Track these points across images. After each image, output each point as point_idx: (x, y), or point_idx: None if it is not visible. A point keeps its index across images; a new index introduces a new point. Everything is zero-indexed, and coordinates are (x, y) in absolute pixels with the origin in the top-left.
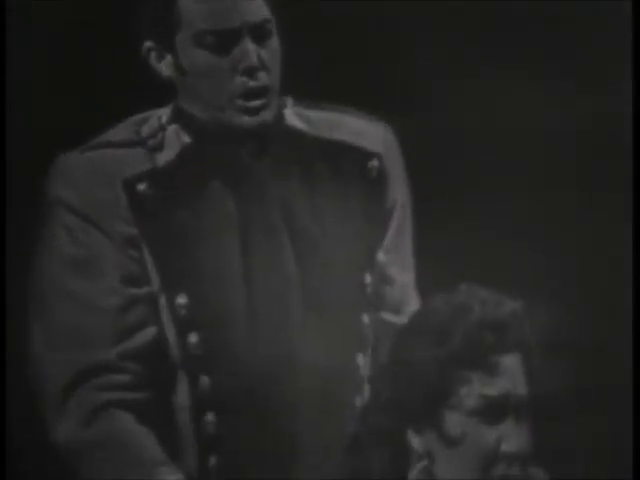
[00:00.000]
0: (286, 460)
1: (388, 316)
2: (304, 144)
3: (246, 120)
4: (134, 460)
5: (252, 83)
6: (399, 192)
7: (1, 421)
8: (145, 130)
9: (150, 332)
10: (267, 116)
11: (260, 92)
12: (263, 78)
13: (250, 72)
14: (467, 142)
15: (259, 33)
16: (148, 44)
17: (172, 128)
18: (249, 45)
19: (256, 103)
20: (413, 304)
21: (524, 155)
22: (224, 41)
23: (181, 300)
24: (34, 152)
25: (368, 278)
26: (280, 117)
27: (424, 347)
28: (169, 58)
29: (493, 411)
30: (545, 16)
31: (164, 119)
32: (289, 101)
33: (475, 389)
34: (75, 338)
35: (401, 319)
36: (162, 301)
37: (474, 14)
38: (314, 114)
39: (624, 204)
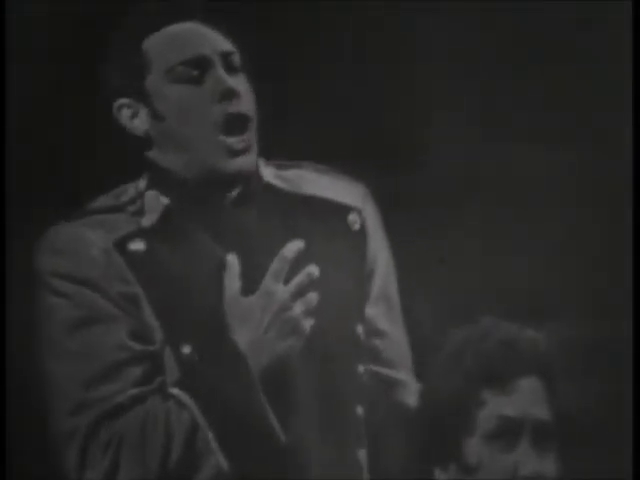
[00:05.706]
0: None
1: (382, 369)
2: (284, 199)
3: (230, 163)
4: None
5: (231, 108)
6: (380, 247)
7: (1, 421)
8: (123, 198)
9: (156, 383)
10: (251, 160)
11: (241, 121)
12: (242, 105)
13: (228, 96)
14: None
15: (229, 63)
16: (120, 102)
17: (150, 193)
18: (221, 71)
19: (239, 143)
20: (408, 359)
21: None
22: (197, 69)
23: (186, 350)
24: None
25: (360, 329)
26: (258, 175)
27: (442, 374)
28: (143, 111)
29: (509, 433)
30: (544, 17)
31: (141, 186)
32: (261, 162)
33: (492, 410)
34: (86, 395)
35: (397, 373)
36: (167, 352)
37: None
38: (289, 173)
39: (624, 211)
